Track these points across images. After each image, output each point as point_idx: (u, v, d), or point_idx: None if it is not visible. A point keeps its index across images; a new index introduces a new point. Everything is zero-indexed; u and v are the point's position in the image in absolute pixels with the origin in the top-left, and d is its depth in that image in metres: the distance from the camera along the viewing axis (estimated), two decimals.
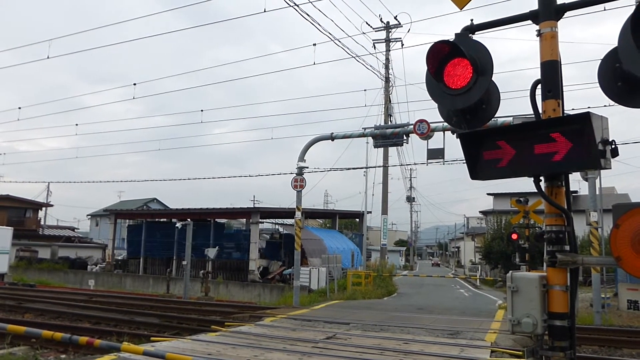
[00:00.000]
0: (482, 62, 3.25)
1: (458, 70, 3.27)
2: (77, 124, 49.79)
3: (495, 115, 3.74)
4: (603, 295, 15.24)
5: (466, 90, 3.27)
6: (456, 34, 3.43)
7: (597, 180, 15.15)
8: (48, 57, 20.29)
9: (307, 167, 18.10)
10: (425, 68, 3.44)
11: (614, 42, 3.02)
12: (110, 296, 19.91)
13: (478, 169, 3.32)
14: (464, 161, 3.41)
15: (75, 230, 60.02)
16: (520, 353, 7.93)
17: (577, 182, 33.22)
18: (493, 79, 3.37)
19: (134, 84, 23.81)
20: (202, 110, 42.19)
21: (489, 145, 3.24)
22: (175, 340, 9.01)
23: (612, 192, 41.73)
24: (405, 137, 17.49)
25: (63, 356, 8.94)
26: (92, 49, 61.49)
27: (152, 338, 9.72)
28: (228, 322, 11.71)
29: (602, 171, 14.39)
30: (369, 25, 33.05)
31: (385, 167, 32.44)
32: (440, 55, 3.32)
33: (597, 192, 15.03)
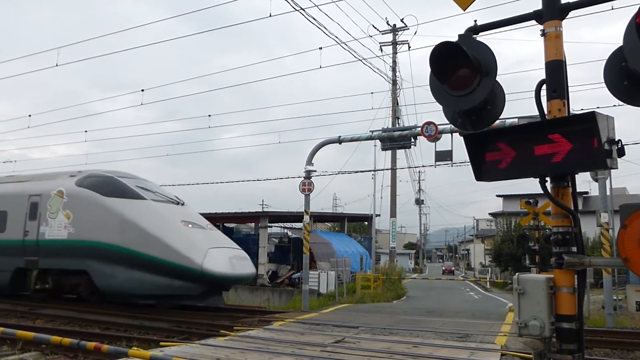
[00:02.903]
0: (485, 62, 3.23)
1: (461, 71, 3.25)
2: (86, 131, 49.75)
3: (503, 116, 3.71)
4: (615, 297, 15.06)
5: (470, 92, 3.25)
6: (459, 35, 3.42)
7: (608, 181, 15.00)
8: (57, 65, 20.49)
9: (315, 171, 18.10)
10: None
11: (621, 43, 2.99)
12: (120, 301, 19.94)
13: (482, 170, 3.30)
14: None
15: None
16: (531, 356, 7.84)
17: (587, 182, 33.01)
18: (499, 80, 3.35)
19: (142, 90, 23.83)
20: (209, 115, 42.22)
21: (490, 147, 3.22)
22: (184, 345, 9.01)
23: (624, 193, 41.41)
24: (413, 140, 17.46)
25: None
26: (102, 55, 62.09)
27: (161, 343, 9.73)
28: (237, 327, 11.70)
29: (612, 171, 14.25)
30: (375, 28, 32.97)
31: (393, 169, 32.37)
32: (444, 57, 3.31)
33: (608, 193, 14.88)
